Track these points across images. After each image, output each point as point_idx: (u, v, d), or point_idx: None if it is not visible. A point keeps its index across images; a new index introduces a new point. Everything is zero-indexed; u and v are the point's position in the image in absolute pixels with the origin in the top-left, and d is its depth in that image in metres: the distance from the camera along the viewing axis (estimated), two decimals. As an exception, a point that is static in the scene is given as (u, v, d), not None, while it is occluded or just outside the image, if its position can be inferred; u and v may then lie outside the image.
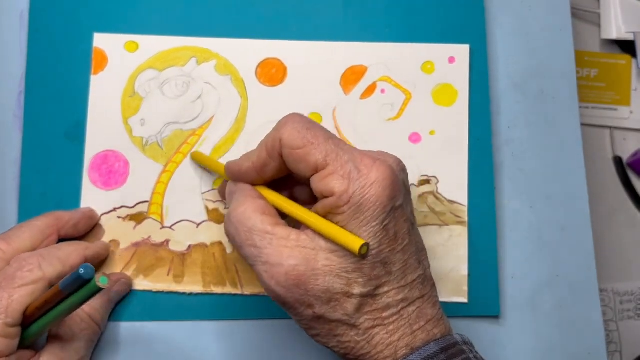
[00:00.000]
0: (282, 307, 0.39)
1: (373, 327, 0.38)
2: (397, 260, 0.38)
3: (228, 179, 0.44)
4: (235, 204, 0.40)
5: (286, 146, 0.39)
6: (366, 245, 0.37)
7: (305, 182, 0.42)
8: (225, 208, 0.49)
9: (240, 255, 0.40)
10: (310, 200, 0.42)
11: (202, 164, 0.48)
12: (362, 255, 0.37)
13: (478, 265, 0.49)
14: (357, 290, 0.37)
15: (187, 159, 0.49)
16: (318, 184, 0.38)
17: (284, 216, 0.41)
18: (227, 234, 0.40)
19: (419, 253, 0.40)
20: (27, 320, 0.40)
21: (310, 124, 0.39)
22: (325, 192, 0.38)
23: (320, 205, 0.39)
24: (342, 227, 0.37)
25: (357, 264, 0.37)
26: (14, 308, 0.40)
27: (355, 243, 0.36)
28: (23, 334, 0.41)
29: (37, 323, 0.40)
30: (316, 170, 0.38)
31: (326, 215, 0.38)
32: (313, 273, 0.37)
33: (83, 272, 0.36)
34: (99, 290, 0.37)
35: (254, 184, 0.42)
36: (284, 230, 0.38)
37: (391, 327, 0.38)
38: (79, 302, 0.38)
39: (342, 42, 0.51)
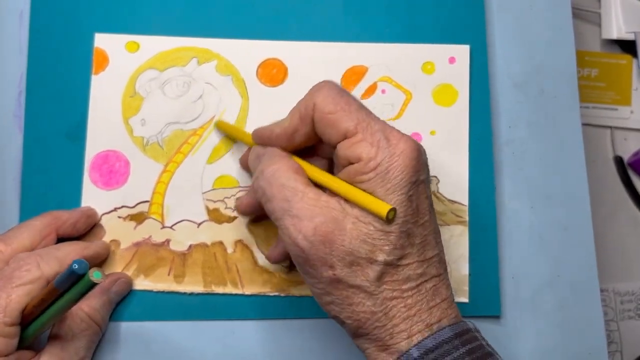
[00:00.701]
0: (303, 265, 0.39)
1: (392, 298, 0.38)
2: (418, 234, 0.39)
3: (253, 145, 0.45)
4: (267, 162, 0.41)
5: (319, 110, 0.40)
6: (393, 210, 0.37)
7: (324, 155, 0.43)
8: (226, 208, 0.49)
9: (267, 210, 0.41)
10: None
11: (226, 132, 0.49)
12: (389, 220, 0.37)
13: (479, 265, 0.49)
14: (381, 257, 0.38)
15: (187, 159, 0.49)
16: (345, 150, 0.39)
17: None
18: (258, 188, 0.41)
19: (436, 234, 0.40)
20: (26, 319, 0.40)
21: (343, 92, 0.41)
22: (352, 158, 0.39)
23: (344, 172, 0.39)
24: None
25: (384, 232, 0.38)
26: (12, 307, 0.40)
27: (383, 207, 0.37)
28: (23, 334, 0.41)
29: (35, 322, 0.41)
30: (345, 137, 0.39)
31: (350, 182, 0.39)
32: (341, 233, 0.38)
33: (77, 267, 0.36)
34: (93, 285, 0.37)
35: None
36: (315, 192, 0.39)
37: (409, 301, 0.38)
38: (74, 298, 0.38)
39: (342, 43, 0.51)
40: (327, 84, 0.41)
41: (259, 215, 0.48)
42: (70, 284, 0.38)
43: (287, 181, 0.39)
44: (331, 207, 0.38)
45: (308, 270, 0.39)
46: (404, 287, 0.38)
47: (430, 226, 0.40)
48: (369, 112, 0.40)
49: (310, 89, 0.41)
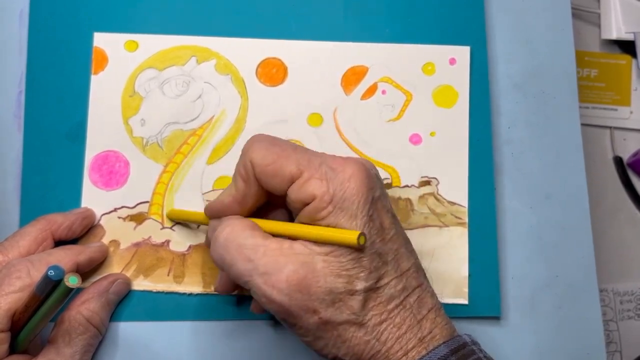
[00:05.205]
0: (286, 320, 0.38)
1: (380, 322, 0.38)
2: (389, 250, 0.39)
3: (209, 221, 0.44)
4: (220, 228, 0.40)
5: (257, 165, 0.39)
6: (363, 234, 0.37)
7: (280, 204, 0.42)
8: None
9: (232, 277, 0.39)
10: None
11: (180, 219, 0.48)
12: (361, 245, 0.37)
13: (478, 266, 0.49)
14: (360, 285, 0.37)
15: (187, 160, 0.49)
16: (297, 193, 0.38)
17: None
18: (215, 258, 0.40)
19: (407, 244, 0.40)
20: (16, 326, 0.41)
21: (275, 140, 0.40)
22: (306, 198, 0.38)
23: (303, 214, 0.39)
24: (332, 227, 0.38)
25: (356, 260, 0.37)
26: (0, 314, 0.40)
27: (351, 236, 0.36)
28: (16, 340, 0.41)
29: (24, 328, 0.41)
30: (292, 181, 0.39)
31: (311, 222, 0.38)
32: (314, 275, 0.37)
33: (52, 273, 0.36)
34: (70, 290, 0.37)
35: None
36: (276, 242, 0.38)
37: (397, 320, 0.38)
38: (54, 304, 0.38)
39: (343, 42, 0.51)
40: (256, 138, 0.40)
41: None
42: (50, 290, 0.38)
43: (245, 240, 0.38)
44: (297, 252, 0.37)
45: (293, 323, 0.38)
46: (390, 306, 0.38)
47: (398, 239, 0.39)
48: (305, 150, 0.39)
49: (242, 149, 0.41)
